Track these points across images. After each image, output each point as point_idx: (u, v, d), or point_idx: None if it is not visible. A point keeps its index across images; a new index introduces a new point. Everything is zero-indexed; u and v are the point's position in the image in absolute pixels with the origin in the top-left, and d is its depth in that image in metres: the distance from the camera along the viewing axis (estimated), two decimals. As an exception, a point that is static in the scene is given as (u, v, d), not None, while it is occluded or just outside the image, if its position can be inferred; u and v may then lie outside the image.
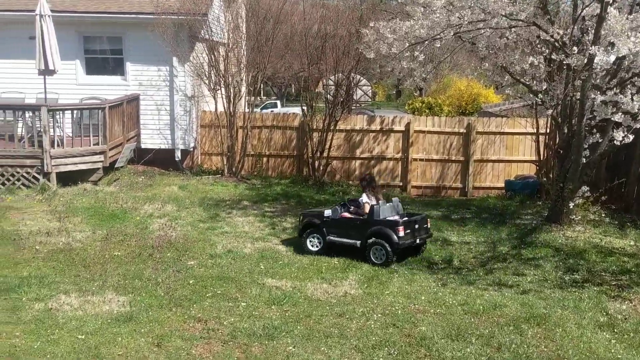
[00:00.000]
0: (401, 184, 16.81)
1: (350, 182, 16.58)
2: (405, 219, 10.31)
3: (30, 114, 13.79)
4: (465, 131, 16.59)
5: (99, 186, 13.95)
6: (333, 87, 16.80)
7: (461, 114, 32.54)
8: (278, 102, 38.53)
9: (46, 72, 13.92)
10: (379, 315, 7.93)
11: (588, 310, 8.27)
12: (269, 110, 28.79)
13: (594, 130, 11.11)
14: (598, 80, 10.52)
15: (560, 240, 11.10)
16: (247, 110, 17.43)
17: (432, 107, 33.11)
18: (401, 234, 9.88)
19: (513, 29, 10.88)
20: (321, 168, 16.58)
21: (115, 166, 14.87)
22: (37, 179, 13.32)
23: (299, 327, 7.47)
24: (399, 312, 8.06)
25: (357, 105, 27.28)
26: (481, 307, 8.22)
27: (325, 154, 16.53)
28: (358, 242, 10.17)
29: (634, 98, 9.69)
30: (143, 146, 16.72)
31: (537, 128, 15.11)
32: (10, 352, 6.62)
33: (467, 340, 7.23)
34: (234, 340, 7.11)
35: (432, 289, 8.99)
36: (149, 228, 11.34)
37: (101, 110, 14.07)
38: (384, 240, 9.91)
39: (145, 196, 13.52)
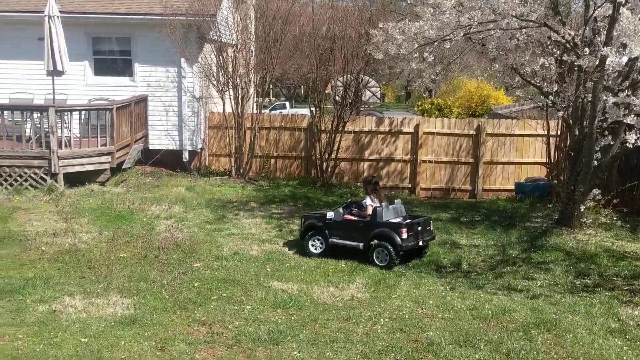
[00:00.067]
0: (410, 185, 16.69)
1: (359, 183, 16.42)
2: (409, 221, 10.24)
3: (38, 115, 13.83)
4: (475, 133, 16.44)
5: (106, 187, 13.94)
6: (342, 88, 16.69)
7: (471, 115, 32.41)
8: (287, 103, 38.49)
9: (55, 73, 13.91)
10: (386, 319, 7.83)
11: (599, 315, 8.12)
12: (278, 111, 28.78)
13: (606, 133, 10.97)
14: (610, 82, 10.39)
15: (571, 244, 10.95)
16: (255, 111, 17.37)
17: (441, 109, 33.00)
18: (404, 236, 9.81)
19: (524, 30, 10.77)
20: (329, 169, 16.48)
21: (123, 167, 14.86)
22: (45, 180, 13.32)
23: (304, 332, 7.38)
24: (406, 316, 7.95)
25: (366, 106, 27.17)
26: (490, 312, 8.10)
27: (333, 156, 16.43)
28: (361, 245, 10.11)
29: (646, 100, 9.57)
30: (151, 147, 16.69)
31: (548, 130, 14.95)
32: (12, 355, 6.57)
33: (475, 346, 7.11)
34: (238, 344, 7.02)
35: (440, 293, 8.88)
36: (156, 229, 11.30)
37: (109, 111, 14.06)
38: (387, 242, 9.84)
39: (153, 197, 13.49)
